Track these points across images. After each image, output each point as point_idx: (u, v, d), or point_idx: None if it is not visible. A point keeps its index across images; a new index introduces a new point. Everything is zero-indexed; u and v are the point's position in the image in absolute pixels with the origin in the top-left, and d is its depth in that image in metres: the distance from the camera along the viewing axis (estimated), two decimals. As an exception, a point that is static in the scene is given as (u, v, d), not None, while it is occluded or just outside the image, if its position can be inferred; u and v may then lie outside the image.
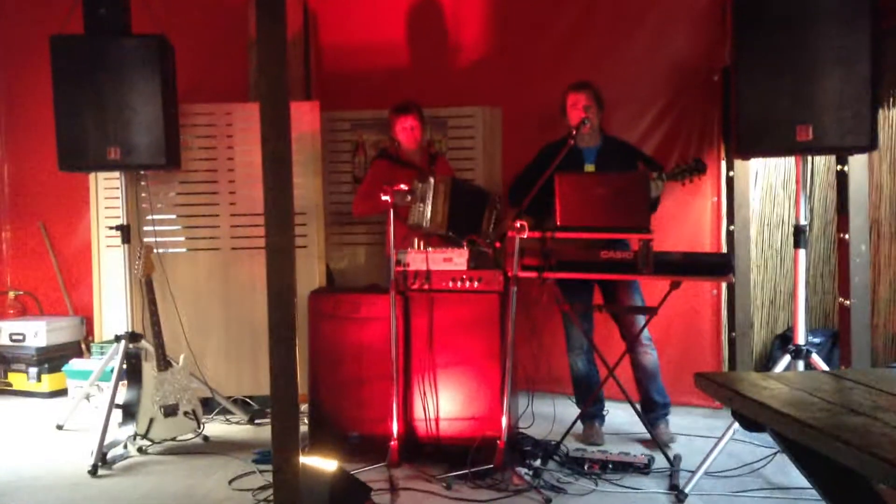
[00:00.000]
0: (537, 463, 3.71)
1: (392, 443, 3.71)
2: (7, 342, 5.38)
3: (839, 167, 4.19)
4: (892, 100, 4.20)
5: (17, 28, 5.65)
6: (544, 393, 4.47)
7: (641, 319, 4.03)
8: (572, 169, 4.05)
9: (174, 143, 4.41)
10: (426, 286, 3.88)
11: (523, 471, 3.59)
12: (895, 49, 3.92)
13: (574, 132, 3.96)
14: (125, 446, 4.09)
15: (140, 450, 4.10)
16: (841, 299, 4.21)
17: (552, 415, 4.22)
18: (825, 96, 3.43)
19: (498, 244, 4.04)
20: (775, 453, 3.68)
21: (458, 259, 3.88)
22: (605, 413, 4.35)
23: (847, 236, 4.10)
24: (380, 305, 3.87)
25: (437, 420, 3.85)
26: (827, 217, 5.03)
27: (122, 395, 4.21)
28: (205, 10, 5.44)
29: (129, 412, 4.12)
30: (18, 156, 5.78)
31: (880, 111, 3.74)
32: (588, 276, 3.80)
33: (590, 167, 4.16)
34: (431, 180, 3.96)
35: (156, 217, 4.78)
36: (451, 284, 3.87)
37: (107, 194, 4.93)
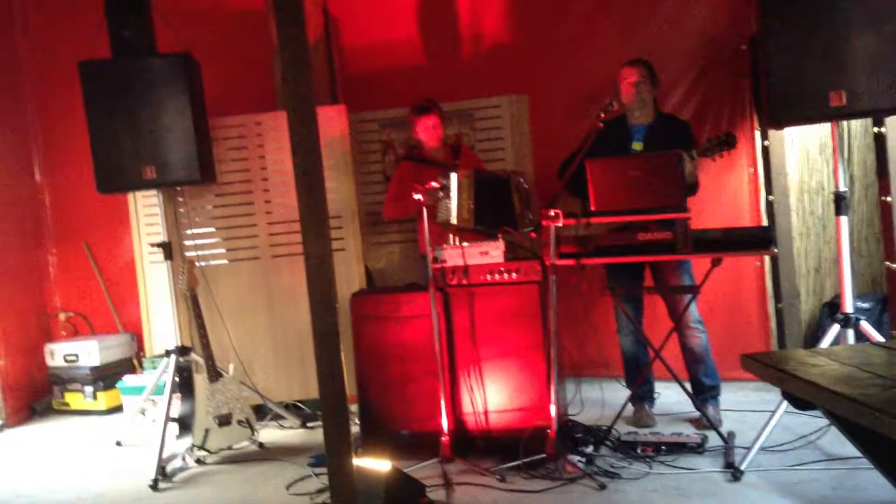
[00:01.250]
0: (589, 449, 3.72)
1: (443, 438, 3.74)
2: (62, 363, 5.51)
3: (876, 129, 4.10)
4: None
5: (47, 52, 5.77)
6: (591, 378, 4.47)
7: (687, 299, 4.00)
8: (620, 146, 4.03)
9: (207, 157, 4.49)
10: (464, 281, 3.89)
11: (576, 458, 3.60)
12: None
13: (602, 115, 3.92)
14: (183, 458, 4.18)
15: (198, 461, 4.18)
16: (887, 263, 4.13)
17: (601, 400, 4.22)
18: (856, 59, 3.35)
19: (533, 234, 4.03)
20: (830, 424, 3.63)
21: (494, 252, 3.88)
22: (655, 395, 4.33)
23: (889, 198, 4.01)
24: (420, 303, 3.89)
25: (486, 413, 3.87)
26: (868, 179, 4.93)
27: (177, 408, 4.31)
28: (226, 21, 5.50)
29: (185, 424, 4.21)
30: (57, 178, 5.91)
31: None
32: (627, 259, 3.77)
33: (637, 145, 4.11)
34: (453, 176, 3.96)
35: (195, 231, 4.87)
36: (489, 277, 3.87)
37: (146, 212, 5.01)
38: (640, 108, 4.11)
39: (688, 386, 4.05)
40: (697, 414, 4.04)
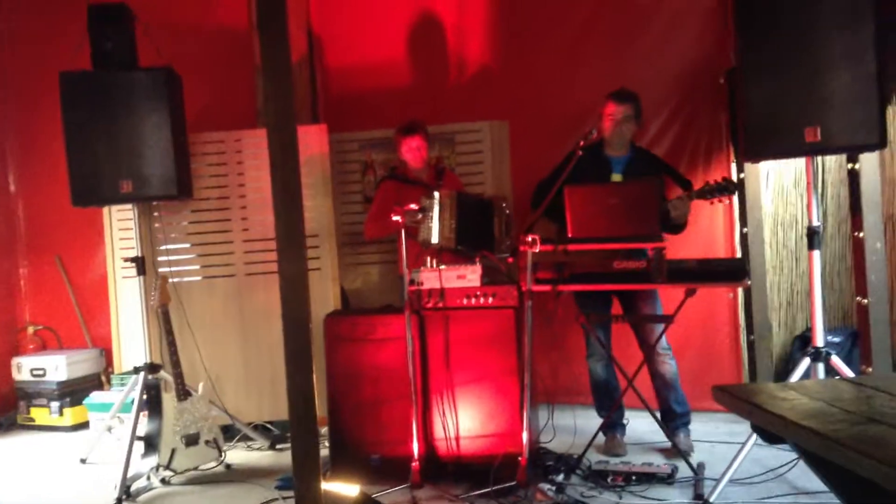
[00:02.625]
0: (560, 478, 3.70)
1: (413, 463, 3.71)
2: (28, 377, 5.41)
3: (850, 165, 4.16)
4: (899, 95, 4.17)
5: (26, 64, 5.72)
6: (564, 405, 4.45)
7: (659, 328, 4.02)
8: (600, 176, 4.06)
9: (185, 173, 4.46)
10: (441, 304, 3.88)
11: (546, 486, 3.57)
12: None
13: (582, 143, 3.94)
14: (148, 478, 4.11)
15: (163, 481, 4.11)
16: (859, 298, 4.18)
17: (573, 427, 4.21)
18: (832, 95, 3.41)
19: (511, 259, 4.04)
20: (798, 458, 3.64)
21: (471, 275, 3.88)
22: (625, 422, 4.32)
23: (862, 234, 4.07)
24: (395, 326, 3.87)
25: (457, 439, 3.85)
26: (841, 214, 4.99)
27: (144, 426, 4.24)
28: (209, 37, 5.48)
29: (151, 443, 4.13)
30: (32, 190, 5.84)
31: (888, 107, 3.72)
32: (602, 287, 3.79)
33: (617, 177, 4.15)
34: (437, 195, 3.97)
35: (170, 247, 4.83)
36: (465, 301, 3.87)
37: (120, 226, 4.95)
38: (620, 143, 4.15)
39: (658, 415, 4.06)
40: (668, 443, 4.04)
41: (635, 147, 4.23)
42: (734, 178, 4.74)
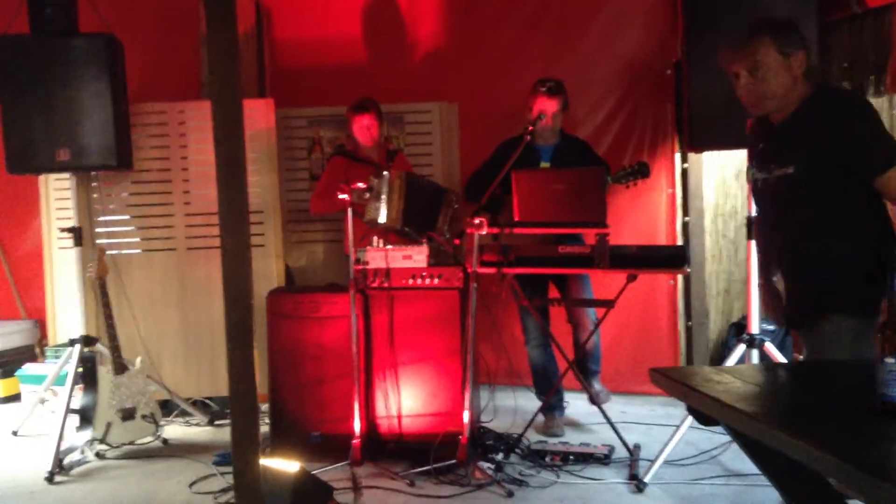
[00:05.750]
0: (499, 457, 3.74)
1: (354, 441, 3.70)
2: (-42, 348, 5.25)
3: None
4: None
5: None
6: (505, 386, 4.49)
7: (590, 309, 4.11)
8: (528, 166, 4.08)
9: (125, 143, 4.36)
10: (386, 284, 3.87)
11: (486, 465, 3.62)
12: (839, 42, 4.00)
13: (531, 128, 3.98)
14: (82, 452, 4.03)
15: (98, 455, 4.04)
16: (793, 287, 4.29)
17: (514, 408, 4.26)
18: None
19: (458, 241, 4.05)
20: (732, 440, 3.74)
21: (417, 256, 3.88)
22: (565, 404, 4.39)
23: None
24: (339, 304, 3.86)
25: (399, 417, 3.86)
26: (778, 206, 5.12)
27: (78, 399, 4.15)
28: (154, 5, 5.33)
29: (86, 417, 4.06)
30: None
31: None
32: (546, 270, 3.84)
33: (545, 165, 4.19)
34: (386, 175, 3.95)
35: (108, 218, 4.72)
36: (411, 282, 3.87)
37: (58, 195, 4.83)
38: (551, 133, 4.19)
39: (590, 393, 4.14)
40: (606, 424, 4.10)
41: (564, 135, 4.27)
42: (678, 167, 4.83)
